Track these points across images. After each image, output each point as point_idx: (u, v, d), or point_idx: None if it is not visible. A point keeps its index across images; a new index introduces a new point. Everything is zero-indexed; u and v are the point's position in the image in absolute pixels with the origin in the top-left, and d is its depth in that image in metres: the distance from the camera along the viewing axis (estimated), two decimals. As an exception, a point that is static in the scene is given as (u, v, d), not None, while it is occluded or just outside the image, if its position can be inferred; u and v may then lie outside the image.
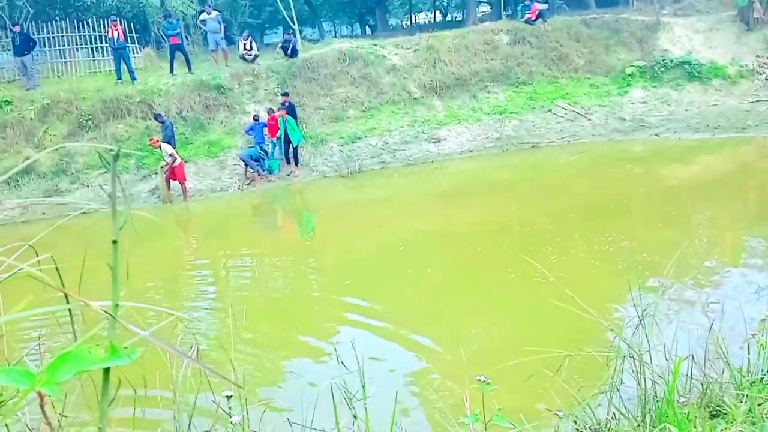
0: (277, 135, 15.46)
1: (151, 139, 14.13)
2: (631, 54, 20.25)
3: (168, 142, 14.32)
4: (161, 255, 10.37)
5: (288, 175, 15.59)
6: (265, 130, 15.56)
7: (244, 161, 15.15)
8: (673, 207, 10.26)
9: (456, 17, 39.25)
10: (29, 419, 1.58)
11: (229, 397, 2.33)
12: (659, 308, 4.23)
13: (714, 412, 2.68)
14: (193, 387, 2.39)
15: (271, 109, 15.75)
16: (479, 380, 2.46)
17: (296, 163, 15.71)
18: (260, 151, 15.32)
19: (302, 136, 15.77)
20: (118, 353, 0.76)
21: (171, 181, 14.22)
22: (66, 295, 0.98)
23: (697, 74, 19.12)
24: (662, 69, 19.42)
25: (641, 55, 20.13)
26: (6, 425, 1.02)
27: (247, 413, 2.38)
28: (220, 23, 18.78)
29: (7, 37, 18.60)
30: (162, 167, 14.03)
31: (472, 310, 6.74)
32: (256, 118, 15.73)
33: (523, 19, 21.15)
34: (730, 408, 2.57)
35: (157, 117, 15.34)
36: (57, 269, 1.07)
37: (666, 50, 20.01)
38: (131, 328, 0.81)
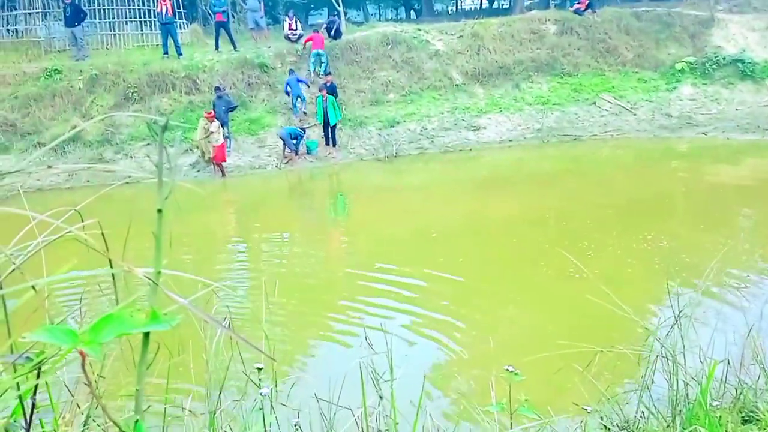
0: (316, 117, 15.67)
1: (207, 112, 14.36)
2: (682, 49, 19.69)
3: (218, 117, 14.46)
4: (198, 228, 10.54)
5: (326, 156, 15.66)
6: (301, 85, 16.37)
7: (282, 139, 15.25)
8: (716, 209, 10.00)
9: (503, 4, 38.63)
10: (68, 378, 1.63)
11: (259, 369, 2.38)
12: (696, 310, 4.14)
13: (747, 418, 2.63)
14: (224, 358, 2.44)
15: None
16: (507, 370, 2.45)
17: (334, 144, 15.75)
18: (300, 130, 15.43)
19: (340, 115, 15.76)
20: (158, 319, 0.77)
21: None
22: (110, 260, 1.00)
23: (750, 73, 18.51)
24: (714, 66, 18.85)
25: (693, 50, 19.56)
26: (46, 382, 1.06)
27: (276, 386, 2.42)
28: (260, 2, 18.91)
29: (59, 8, 19.02)
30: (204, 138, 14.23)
31: (503, 301, 6.70)
32: (291, 72, 16.62)
33: (572, 9, 20.75)
34: (764, 414, 2.52)
35: (216, 89, 15.48)
36: (102, 234, 1.10)
37: (719, 47, 19.39)
38: (171, 296, 0.83)
